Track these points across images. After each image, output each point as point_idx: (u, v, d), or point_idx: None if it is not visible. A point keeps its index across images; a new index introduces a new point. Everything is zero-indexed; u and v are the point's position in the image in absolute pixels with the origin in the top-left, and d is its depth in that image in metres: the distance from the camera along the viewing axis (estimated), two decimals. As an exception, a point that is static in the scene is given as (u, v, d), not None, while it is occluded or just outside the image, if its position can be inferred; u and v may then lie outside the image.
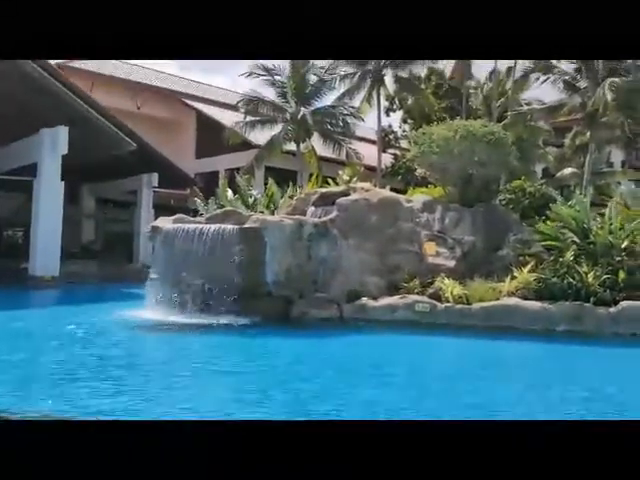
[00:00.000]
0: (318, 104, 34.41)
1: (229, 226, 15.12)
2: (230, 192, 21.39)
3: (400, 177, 39.61)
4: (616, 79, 22.09)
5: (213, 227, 14.97)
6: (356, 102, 36.29)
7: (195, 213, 22.59)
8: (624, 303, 13.56)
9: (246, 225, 15.24)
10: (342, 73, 35.20)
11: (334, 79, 34.93)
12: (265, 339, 12.59)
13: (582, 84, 24.61)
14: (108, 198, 37.71)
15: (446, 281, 15.26)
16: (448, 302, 14.73)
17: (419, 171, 21.16)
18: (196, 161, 41.19)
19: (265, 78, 33.38)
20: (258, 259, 15.09)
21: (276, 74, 33.29)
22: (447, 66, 46.48)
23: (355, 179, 20.97)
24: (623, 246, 14.93)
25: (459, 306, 14.57)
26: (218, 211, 17.56)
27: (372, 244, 16.81)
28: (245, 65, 33.61)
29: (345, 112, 34.56)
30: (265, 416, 5.23)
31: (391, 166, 41.49)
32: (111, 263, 31.01)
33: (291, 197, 19.64)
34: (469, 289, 15.04)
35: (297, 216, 16.90)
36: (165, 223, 16.68)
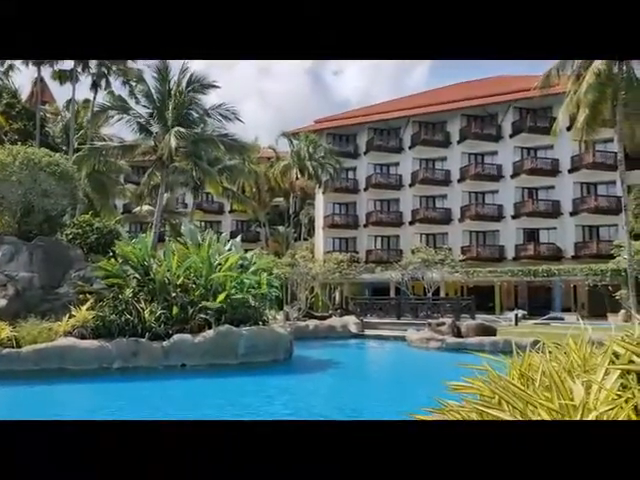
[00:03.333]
0: None
1: None
2: None
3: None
4: (182, 129, 24.21)
5: None
6: None
7: None
8: (176, 336, 14.56)
9: None
10: None
11: None
12: None
13: (155, 129, 26.10)
14: None
15: (-8, 323, 13.49)
16: (-6, 347, 13.02)
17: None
18: None
19: None
20: None
21: None
22: (24, 86, 42.91)
23: None
24: (179, 282, 16.12)
25: (6, 350, 13.02)
26: None
27: None
28: None
29: None
30: None
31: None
32: None
33: None
34: (21, 331, 13.66)
35: None
36: None
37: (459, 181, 42.81)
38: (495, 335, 20.16)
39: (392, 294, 38.07)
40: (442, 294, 37.22)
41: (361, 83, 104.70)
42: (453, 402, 3.86)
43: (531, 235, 40.57)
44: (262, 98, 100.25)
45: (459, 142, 43.29)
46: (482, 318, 25.31)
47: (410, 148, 44.55)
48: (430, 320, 22.63)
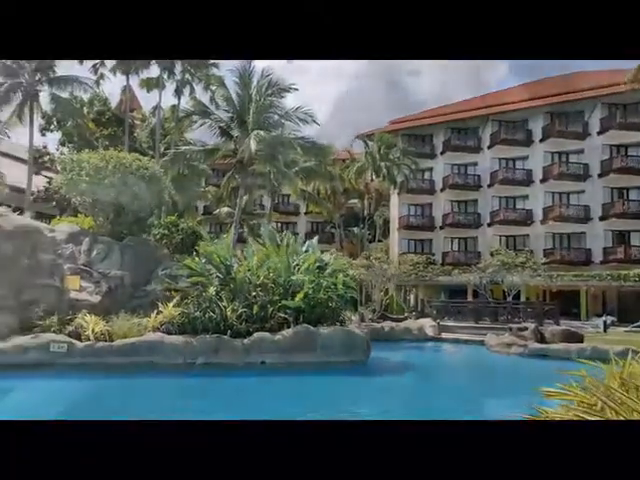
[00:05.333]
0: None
1: None
2: None
3: (55, 203, 36.41)
4: (262, 132, 24.76)
5: None
6: (3, 116, 32.22)
7: None
8: (256, 334, 14.92)
9: None
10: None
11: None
12: None
13: (235, 132, 26.85)
14: None
15: (88, 318, 14.37)
16: (89, 340, 13.89)
17: (74, 199, 19.79)
18: None
19: None
20: None
21: None
22: (112, 94, 45.39)
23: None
24: (259, 282, 16.49)
25: (100, 344, 13.84)
26: None
27: (5, 277, 14.78)
28: None
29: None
30: None
31: (44, 190, 37.82)
32: None
33: None
34: (113, 325, 14.48)
35: None
36: None
37: (542, 181, 41.12)
38: (582, 342, 19.23)
39: (470, 297, 37.12)
40: (523, 298, 35.88)
41: (436, 84, 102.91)
42: (550, 409, 3.74)
43: (621, 237, 38.31)
44: (336, 100, 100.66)
45: (541, 140, 41.59)
46: (567, 324, 24.21)
47: (489, 147, 43.30)
48: (511, 325, 21.90)
